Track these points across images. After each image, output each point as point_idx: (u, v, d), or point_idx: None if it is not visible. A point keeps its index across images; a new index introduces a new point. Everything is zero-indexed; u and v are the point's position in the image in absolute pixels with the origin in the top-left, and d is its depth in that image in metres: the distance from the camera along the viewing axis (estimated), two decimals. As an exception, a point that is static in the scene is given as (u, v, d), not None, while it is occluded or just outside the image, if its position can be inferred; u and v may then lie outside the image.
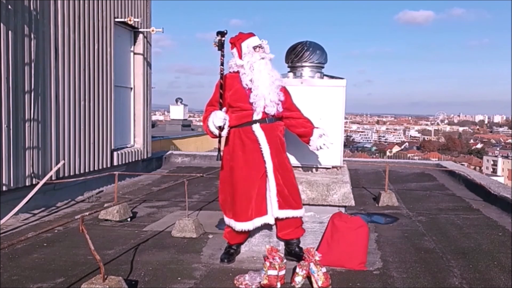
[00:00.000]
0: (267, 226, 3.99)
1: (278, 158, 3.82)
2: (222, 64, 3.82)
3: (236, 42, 3.87)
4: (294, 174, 3.97)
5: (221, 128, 3.82)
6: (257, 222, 3.83)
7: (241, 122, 3.81)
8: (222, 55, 3.81)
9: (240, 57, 3.84)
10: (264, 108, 3.74)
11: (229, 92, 3.83)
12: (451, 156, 61.96)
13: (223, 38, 3.80)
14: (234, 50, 3.88)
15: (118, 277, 3.09)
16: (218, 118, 3.77)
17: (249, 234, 4.03)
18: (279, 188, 3.79)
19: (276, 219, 3.87)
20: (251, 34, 3.89)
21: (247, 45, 3.82)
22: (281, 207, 3.79)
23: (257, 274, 3.46)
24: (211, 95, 3.96)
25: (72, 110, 6.55)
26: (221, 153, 3.96)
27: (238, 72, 3.84)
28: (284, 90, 3.93)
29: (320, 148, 3.91)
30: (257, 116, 3.78)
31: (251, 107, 3.76)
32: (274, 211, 3.79)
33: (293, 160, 4.10)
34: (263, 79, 3.74)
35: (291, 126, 3.97)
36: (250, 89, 3.75)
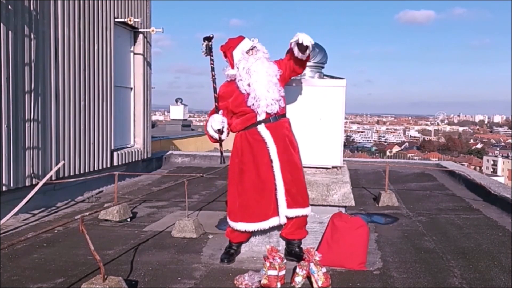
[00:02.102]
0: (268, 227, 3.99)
1: (286, 156, 3.80)
2: (213, 69, 3.83)
3: (227, 51, 3.84)
4: (303, 172, 3.95)
5: (220, 131, 3.82)
6: (274, 221, 3.83)
7: (246, 125, 3.82)
8: (212, 60, 3.81)
9: (232, 66, 3.83)
10: (267, 107, 3.73)
11: (230, 99, 3.84)
12: (451, 156, 61.96)
13: (210, 43, 3.81)
14: (227, 59, 3.87)
15: (118, 277, 3.09)
16: (216, 121, 3.80)
17: (252, 233, 4.03)
18: (287, 187, 3.78)
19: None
20: (241, 38, 3.86)
21: (239, 51, 3.79)
22: (289, 206, 3.79)
23: (257, 274, 3.46)
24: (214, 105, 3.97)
25: (72, 110, 6.55)
26: (223, 156, 3.96)
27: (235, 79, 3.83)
28: (275, 62, 3.86)
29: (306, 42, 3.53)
30: (260, 117, 3.78)
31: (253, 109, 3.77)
32: (283, 210, 3.78)
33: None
34: (260, 79, 3.72)
35: (288, 62, 3.82)
36: (248, 94, 3.75)
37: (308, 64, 4.43)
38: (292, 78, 4.32)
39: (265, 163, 3.78)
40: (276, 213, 3.81)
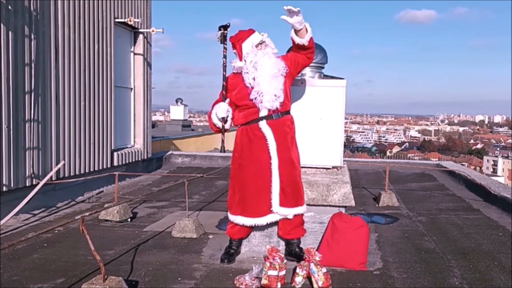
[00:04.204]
0: (267, 226, 3.99)
1: (285, 154, 3.80)
2: (225, 57, 3.83)
3: (236, 43, 3.85)
4: (300, 171, 3.95)
5: (224, 120, 3.82)
6: (271, 218, 3.83)
7: (248, 120, 3.81)
8: (225, 48, 3.82)
9: (240, 58, 3.83)
10: (268, 102, 3.72)
11: (234, 92, 3.84)
12: (451, 156, 61.99)
13: (225, 31, 3.81)
14: (235, 51, 3.87)
15: (118, 277, 3.08)
16: (221, 109, 3.78)
17: (251, 230, 4.03)
18: (283, 185, 3.78)
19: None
20: (251, 31, 3.85)
21: (249, 44, 3.78)
22: (282, 204, 3.78)
23: (257, 273, 3.46)
24: (218, 95, 3.96)
25: (72, 110, 6.55)
26: (224, 146, 3.95)
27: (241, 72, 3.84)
28: (282, 57, 3.86)
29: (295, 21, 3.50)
30: (263, 112, 3.77)
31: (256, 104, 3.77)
32: (276, 208, 3.78)
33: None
34: (265, 74, 3.72)
35: (293, 55, 3.82)
36: (253, 87, 3.75)
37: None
38: (295, 77, 4.33)
39: (263, 160, 3.78)
40: (270, 210, 3.80)
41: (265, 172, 3.78)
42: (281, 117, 3.81)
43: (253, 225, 3.88)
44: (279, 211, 3.79)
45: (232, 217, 3.95)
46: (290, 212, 3.81)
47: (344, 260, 3.79)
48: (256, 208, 3.82)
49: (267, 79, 3.71)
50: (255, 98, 3.72)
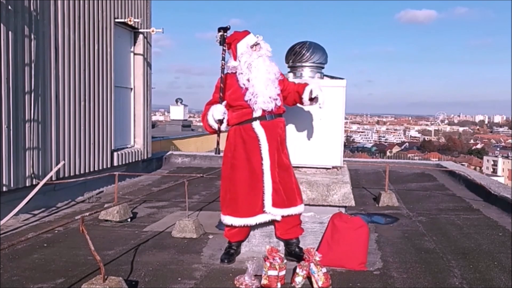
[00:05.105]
0: (267, 226, 3.99)
1: (277, 155, 3.82)
2: (223, 59, 3.85)
3: (231, 43, 3.87)
4: (293, 171, 3.96)
5: (220, 122, 3.83)
6: (261, 218, 3.84)
7: (242, 120, 3.82)
8: (224, 50, 3.84)
9: (235, 58, 3.84)
10: (263, 103, 3.74)
11: (228, 92, 3.85)
12: (451, 156, 61.97)
13: (225, 34, 3.83)
14: (230, 50, 3.89)
15: (118, 277, 3.09)
16: (218, 111, 3.78)
17: (249, 231, 4.03)
18: (275, 186, 3.79)
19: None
20: (246, 32, 3.87)
21: (244, 44, 3.81)
22: (275, 205, 3.79)
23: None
24: (211, 95, 3.97)
25: (72, 110, 6.55)
26: (220, 148, 3.96)
27: (236, 72, 3.85)
28: (282, 75, 3.95)
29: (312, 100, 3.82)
30: (256, 113, 3.78)
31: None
32: (268, 208, 3.79)
33: (293, 160, 4.10)
34: (260, 76, 3.74)
35: (285, 100, 3.95)
36: (247, 88, 3.76)
37: (308, 64, 4.46)
38: (292, 79, 4.35)
39: (256, 160, 3.79)
40: (263, 210, 3.81)
41: (257, 173, 3.79)
42: (274, 119, 3.83)
43: (242, 225, 3.88)
44: (271, 212, 3.80)
45: (222, 217, 3.97)
46: (283, 213, 3.82)
47: (344, 260, 3.79)
48: (247, 208, 3.82)
49: (263, 82, 3.74)
50: (250, 100, 3.74)
